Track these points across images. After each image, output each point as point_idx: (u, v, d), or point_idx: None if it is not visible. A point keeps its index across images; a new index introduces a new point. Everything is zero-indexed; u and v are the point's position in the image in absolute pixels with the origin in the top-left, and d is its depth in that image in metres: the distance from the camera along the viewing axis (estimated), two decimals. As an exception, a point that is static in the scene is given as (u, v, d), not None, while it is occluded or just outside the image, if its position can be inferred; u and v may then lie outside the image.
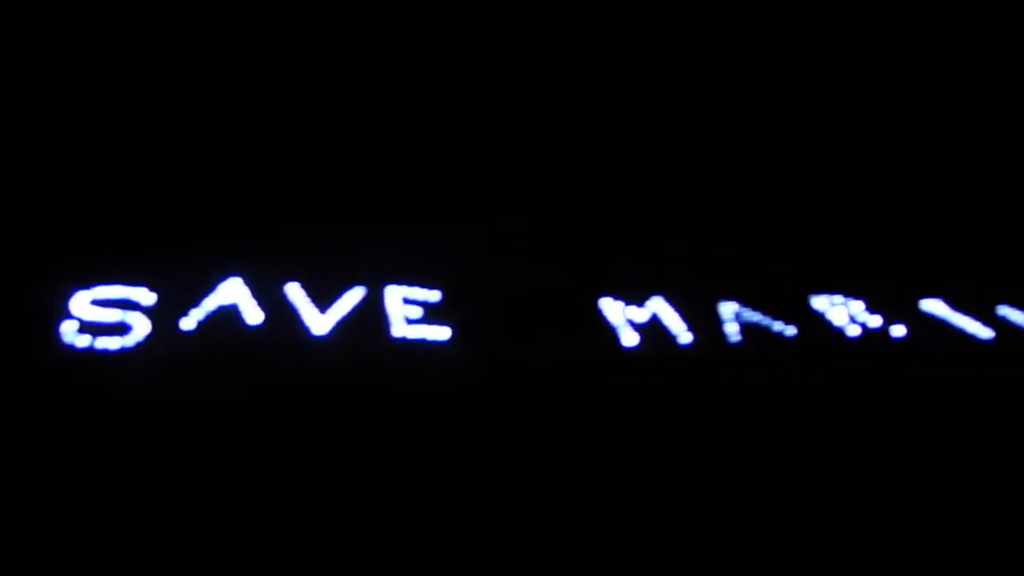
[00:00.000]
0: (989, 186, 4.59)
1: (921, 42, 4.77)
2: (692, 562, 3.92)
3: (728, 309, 4.39)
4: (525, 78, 4.86)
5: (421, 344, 4.41)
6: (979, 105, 4.70)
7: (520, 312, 4.43)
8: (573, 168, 4.75)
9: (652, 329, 4.38)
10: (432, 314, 4.45)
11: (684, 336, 4.36)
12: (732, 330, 4.37)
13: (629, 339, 4.37)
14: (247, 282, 4.48)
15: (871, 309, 4.34)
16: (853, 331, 4.34)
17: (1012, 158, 4.58)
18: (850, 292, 4.34)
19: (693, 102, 4.76)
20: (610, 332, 4.39)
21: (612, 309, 4.44)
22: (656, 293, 4.42)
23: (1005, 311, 4.33)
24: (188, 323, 4.33)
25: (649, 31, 4.78)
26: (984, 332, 4.31)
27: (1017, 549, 3.87)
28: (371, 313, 4.48)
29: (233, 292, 4.47)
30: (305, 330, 4.42)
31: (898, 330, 4.31)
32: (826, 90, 4.75)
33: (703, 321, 4.37)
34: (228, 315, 4.43)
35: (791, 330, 4.34)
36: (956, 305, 4.33)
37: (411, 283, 4.50)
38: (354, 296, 4.50)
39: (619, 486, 4.08)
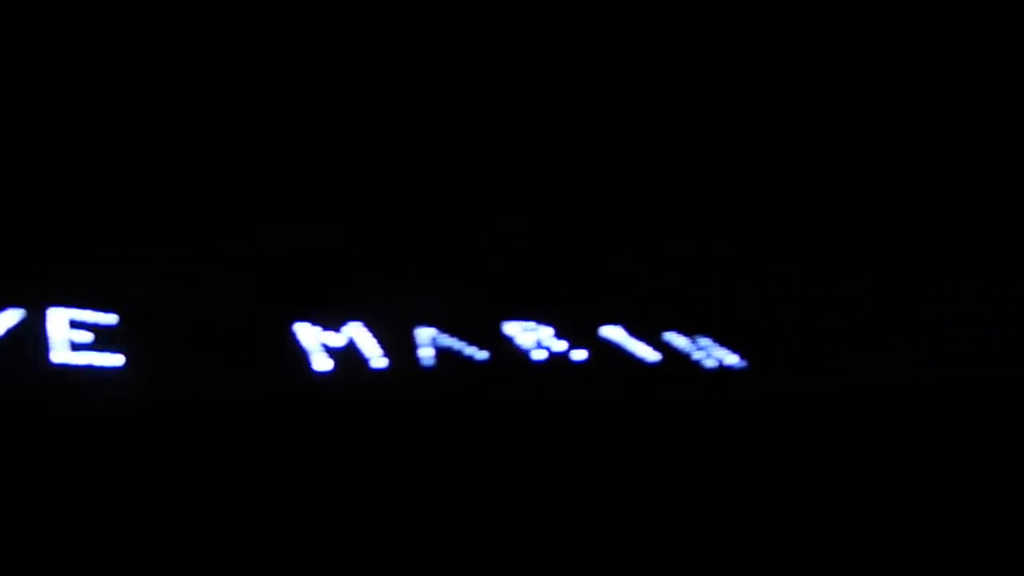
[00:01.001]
0: (658, 225, 4.93)
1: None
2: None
3: (424, 334, 4.42)
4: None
5: (87, 371, 4.08)
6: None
7: (208, 337, 4.24)
8: (269, 189, 4.62)
9: (347, 354, 4.32)
10: (105, 339, 4.13)
11: (378, 360, 4.33)
12: (427, 354, 4.40)
13: (322, 364, 4.28)
14: None
15: (559, 335, 4.52)
16: (539, 355, 4.49)
17: (684, 207, 4.94)
18: (542, 319, 4.51)
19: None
20: (302, 357, 4.28)
21: (307, 334, 4.33)
22: (353, 319, 4.38)
23: (670, 336, 4.67)
24: None
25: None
26: (652, 356, 4.61)
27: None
28: (28, 337, 4.11)
29: None
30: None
31: (579, 354, 4.51)
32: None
33: (399, 346, 4.36)
34: None
35: (483, 354, 4.43)
36: (632, 331, 4.61)
37: (81, 306, 4.15)
38: (8, 319, 4.12)
39: (311, 515, 3.93)
